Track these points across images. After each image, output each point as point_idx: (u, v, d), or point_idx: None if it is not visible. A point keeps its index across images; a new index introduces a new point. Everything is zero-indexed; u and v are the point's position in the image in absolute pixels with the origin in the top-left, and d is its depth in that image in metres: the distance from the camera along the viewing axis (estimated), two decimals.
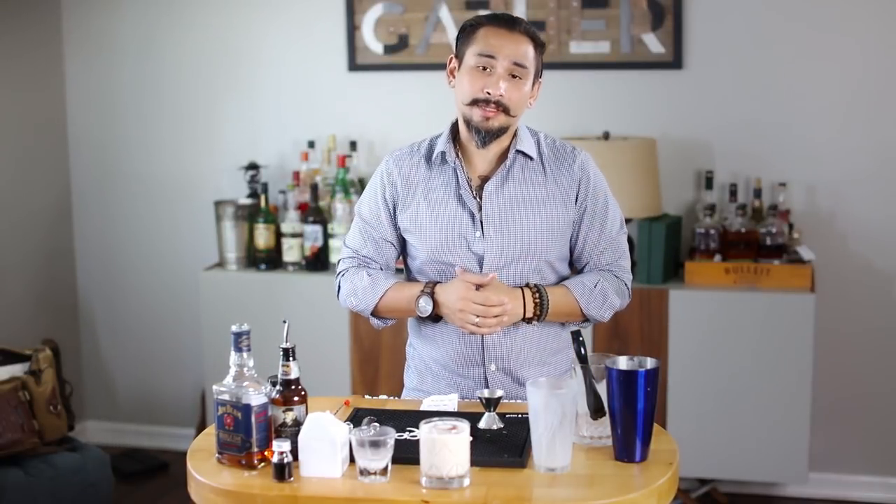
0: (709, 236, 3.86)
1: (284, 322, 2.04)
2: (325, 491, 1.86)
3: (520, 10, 4.06)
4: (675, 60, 3.99)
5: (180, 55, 4.45)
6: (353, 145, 4.21)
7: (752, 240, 3.84)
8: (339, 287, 2.47)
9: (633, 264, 3.92)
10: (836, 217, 3.95)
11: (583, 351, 2.10)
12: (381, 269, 2.44)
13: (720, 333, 3.74)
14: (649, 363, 1.97)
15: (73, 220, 4.66)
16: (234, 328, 1.99)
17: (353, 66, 4.26)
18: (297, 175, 4.17)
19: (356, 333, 3.99)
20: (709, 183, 3.94)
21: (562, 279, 2.41)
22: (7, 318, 4.26)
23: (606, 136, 3.95)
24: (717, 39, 3.98)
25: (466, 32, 2.33)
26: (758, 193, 3.92)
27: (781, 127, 3.96)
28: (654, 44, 4.00)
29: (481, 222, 2.34)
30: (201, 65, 4.43)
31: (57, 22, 4.52)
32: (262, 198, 4.13)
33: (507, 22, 2.31)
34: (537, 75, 2.35)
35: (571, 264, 2.45)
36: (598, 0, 4.02)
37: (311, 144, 4.27)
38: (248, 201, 4.21)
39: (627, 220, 3.85)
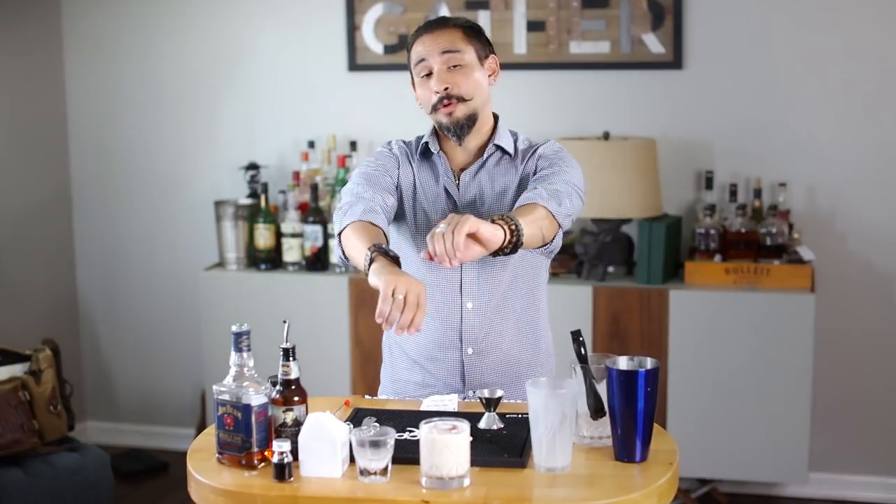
0: (709, 236, 3.86)
1: (284, 322, 2.04)
2: (325, 491, 1.86)
3: (520, 11, 4.06)
4: (675, 60, 3.99)
5: (180, 55, 4.45)
6: (353, 145, 4.21)
7: (752, 240, 3.84)
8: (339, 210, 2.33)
9: (633, 264, 3.93)
10: (836, 217, 3.95)
11: (583, 351, 2.10)
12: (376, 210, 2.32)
13: (720, 333, 3.74)
14: (649, 363, 1.97)
15: (73, 220, 4.66)
16: (234, 328, 1.99)
17: (353, 66, 4.26)
18: (297, 175, 4.17)
19: (356, 333, 3.99)
20: (709, 183, 3.94)
21: (536, 265, 2.41)
22: (7, 318, 4.26)
23: (606, 136, 3.95)
24: (717, 39, 3.98)
25: (407, 54, 2.41)
26: (758, 193, 3.92)
27: (781, 127, 3.96)
28: (654, 44, 4.00)
29: (459, 209, 2.38)
30: (201, 65, 4.43)
31: (57, 22, 4.52)
32: (262, 198, 4.13)
33: (433, 24, 2.37)
34: (483, 55, 2.37)
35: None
36: (598, 0, 4.02)
37: (311, 144, 4.27)
38: (248, 201, 4.21)
39: (627, 220, 3.86)
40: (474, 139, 2.39)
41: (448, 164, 2.41)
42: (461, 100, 2.32)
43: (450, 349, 2.39)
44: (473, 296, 2.36)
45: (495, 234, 2.07)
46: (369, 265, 2.10)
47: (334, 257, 2.39)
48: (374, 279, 2.06)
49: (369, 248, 2.12)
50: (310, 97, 4.34)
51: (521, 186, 2.38)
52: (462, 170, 2.41)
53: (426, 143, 2.43)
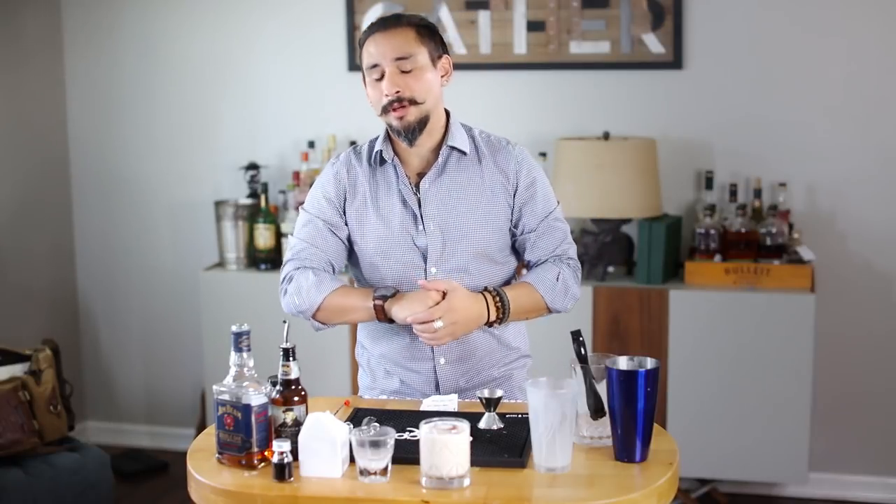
0: (709, 236, 3.86)
1: (284, 322, 2.05)
2: (325, 491, 1.86)
3: (520, 11, 4.06)
4: (675, 60, 3.99)
5: (180, 55, 4.45)
6: (353, 145, 4.20)
7: (752, 240, 3.84)
8: (286, 292, 2.37)
9: (633, 264, 3.93)
10: (836, 217, 3.95)
11: (583, 351, 2.10)
12: (326, 271, 2.38)
13: (720, 333, 3.74)
14: (649, 363, 1.97)
15: (73, 220, 4.66)
16: (234, 328, 1.99)
17: (353, 66, 4.26)
18: (297, 175, 4.17)
19: (356, 334, 3.97)
20: (709, 183, 3.94)
21: (502, 268, 2.41)
22: (7, 318, 4.26)
23: (606, 136, 3.95)
24: (717, 39, 3.98)
25: (360, 52, 2.37)
26: (758, 193, 3.92)
27: (781, 127, 3.96)
28: (654, 44, 4.00)
29: (422, 217, 2.36)
30: (201, 65, 4.43)
31: (57, 22, 4.52)
32: (263, 198, 4.13)
33: (385, 23, 2.33)
34: (436, 55, 2.35)
35: (515, 252, 2.45)
36: (598, 0, 4.02)
37: (311, 144, 4.27)
38: (248, 201, 4.21)
39: (627, 220, 3.86)
40: (427, 141, 2.36)
41: (404, 172, 2.37)
42: (413, 102, 2.29)
43: (422, 360, 2.39)
44: None
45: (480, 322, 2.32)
46: (382, 306, 2.28)
47: (311, 328, 2.41)
48: (404, 313, 2.26)
49: (376, 296, 2.29)
50: (310, 97, 4.34)
51: (490, 192, 2.36)
52: (420, 175, 2.38)
53: (379, 151, 2.39)
